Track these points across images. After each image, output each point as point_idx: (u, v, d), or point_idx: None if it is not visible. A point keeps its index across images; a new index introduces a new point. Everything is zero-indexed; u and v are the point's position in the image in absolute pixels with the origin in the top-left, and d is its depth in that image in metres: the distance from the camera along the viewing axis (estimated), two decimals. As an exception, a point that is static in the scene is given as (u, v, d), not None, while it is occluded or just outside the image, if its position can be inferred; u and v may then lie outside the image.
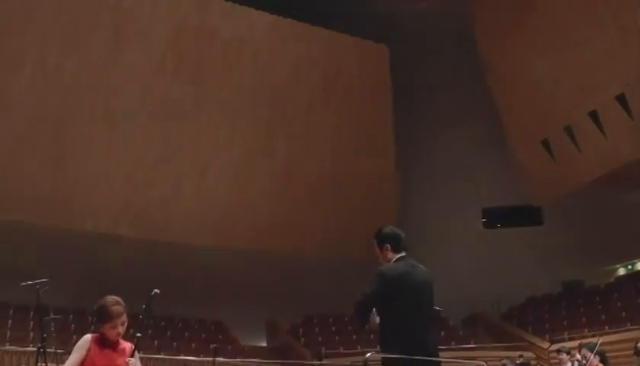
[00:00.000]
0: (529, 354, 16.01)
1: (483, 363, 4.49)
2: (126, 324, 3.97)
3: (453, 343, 17.25)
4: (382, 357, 4.01)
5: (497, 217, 21.40)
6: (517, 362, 5.96)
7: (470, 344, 17.63)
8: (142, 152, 18.55)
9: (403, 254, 4.26)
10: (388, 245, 4.27)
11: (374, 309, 4.16)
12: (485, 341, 17.97)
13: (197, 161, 19.19)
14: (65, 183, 18.04)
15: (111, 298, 4.00)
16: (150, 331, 16.89)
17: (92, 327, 3.93)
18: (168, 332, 18.08)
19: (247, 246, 19.96)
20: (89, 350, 3.86)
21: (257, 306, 19.63)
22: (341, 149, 20.51)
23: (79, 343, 3.89)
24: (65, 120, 17.53)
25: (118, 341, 3.99)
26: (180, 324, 19.02)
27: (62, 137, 17.57)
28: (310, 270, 20.49)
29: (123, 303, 4.00)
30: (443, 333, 17.42)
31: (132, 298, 4.15)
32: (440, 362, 4.13)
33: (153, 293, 4.39)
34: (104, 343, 3.91)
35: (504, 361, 5.71)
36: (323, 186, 20.49)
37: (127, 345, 4.05)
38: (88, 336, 3.93)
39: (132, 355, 4.01)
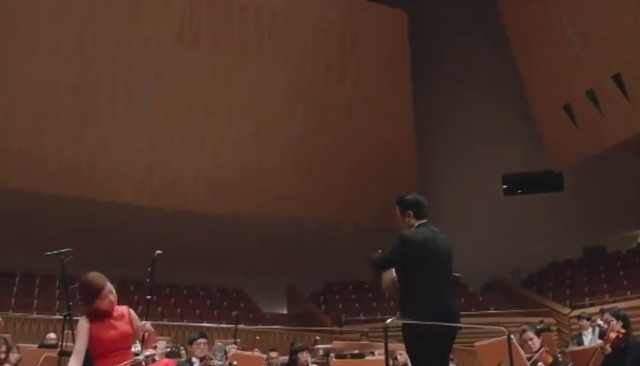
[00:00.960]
0: (549, 320, 16.02)
1: (503, 329, 4.50)
2: (113, 292, 4.02)
3: (473, 309, 17.30)
4: (403, 324, 4.05)
5: (518, 183, 21.24)
6: (537, 327, 5.98)
7: (490, 310, 17.67)
8: (161, 122, 18.63)
9: (424, 221, 4.30)
10: (411, 212, 4.31)
11: (394, 273, 4.19)
12: (505, 308, 17.99)
13: (216, 129, 19.22)
14: (87, 154, 18.24)
15: (91, 274, 4.05)
16: (173, 299, 17.22)
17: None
18: (190, 300, 18.38)
19: (266, 214, 20.09)
20: (90, 329, 3.92)
21: (278, 273, 19.85)
22: (359, 115, 20.38)
23: (78, 328, 3.96)
24: (85, 93, 17.62)
25: (112, 308, 4.05)
26: (201, 292, 19.32)
27: (82, 109, 17.69)
28: (330, 237, 20.59)
29: (103, 276, 4.05)
30: (462, 300, 17.47)
31: (159, 267, 4.19)
32: (460, 327, 4.15)
33: (156, 254, 4.45)
34: (101, 316, 3.97)
35: (524, 327, 5.70)
36: (341, 152, 20.43)
37: (123, 309, 4.10)
38: (83, 319, 3.98)
39: (133, 319, 4.06)
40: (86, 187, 18.31)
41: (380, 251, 4.26)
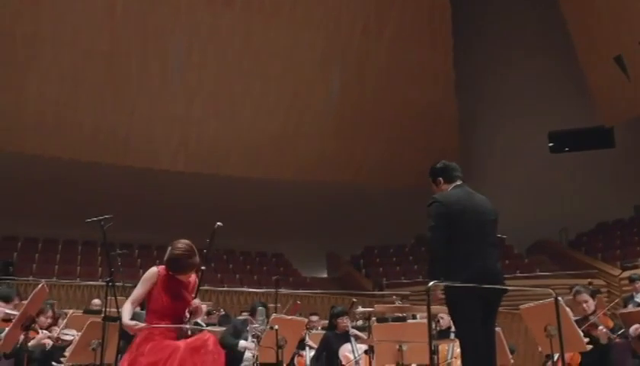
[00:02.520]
0: (598, 282, 15.79)
1: (550, 291, 4.45)
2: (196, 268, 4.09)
3: (518, 272, 17.17)
4: (446, 286, 4.04)
5: (565, 141, 20.76)
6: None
7: (536, 272, 17.51)
8: (195, 87, 18.75)
9: (458, 183, 4.28)
10: (441, 179, 4.33)
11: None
12: (552, 270, 17.78)
13: (251, 92, 19.24)
14: (122, 121, 18.55)
15: (185, 248, 4.01)
16: (212, 264, 17.54)
17: (157, 261, 4.09)
18: (230, 265, 18.72)
19: (304, 178, 20.18)
20: (155, 284, 4.02)
21: (318, 237, 20.01)
22: (398, 75, 20.09)
23: (145, 276, 4.06)
24: (118, 59, 17.81)
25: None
26: (241, 257, 19.65)
27: (115, 76, 17.92)
28: (370, 200, 20.60)
29: (196, 251, 4.05)
30: (506, 262, 17.34)
31: (193, 232, 4.28)
32: (506, 290, 4.13)
33: (216, 226, 4.50)
34: (172, 280, 4.06)
35: (578, 288, 5.61)
36: (380, 114, 20.25)
37: (192, 277, 4.20)
38: (155, 270, 4.07)
39: (195, 291, 4.16)
40: (122, 153, 18.68)
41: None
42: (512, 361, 6.10)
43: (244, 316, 7.07)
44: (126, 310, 3.98)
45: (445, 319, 6.08)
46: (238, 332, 6.51)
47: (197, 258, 4.06)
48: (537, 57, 20.90)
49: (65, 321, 6.82)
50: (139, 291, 4.03)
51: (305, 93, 19.67)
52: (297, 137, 19.91)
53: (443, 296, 4.04)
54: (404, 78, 20.08)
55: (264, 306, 6.70)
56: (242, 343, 6.26)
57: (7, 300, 4.78)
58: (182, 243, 4.05)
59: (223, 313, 10.73)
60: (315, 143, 20.05)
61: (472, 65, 21.14)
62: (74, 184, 17.88)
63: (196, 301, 4.12)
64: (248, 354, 6.25)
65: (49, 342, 5.36)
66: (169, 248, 4.06)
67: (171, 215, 17.95)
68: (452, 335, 5.51)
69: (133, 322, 3.94)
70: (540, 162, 20.66)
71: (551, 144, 20.83)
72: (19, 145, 17.53)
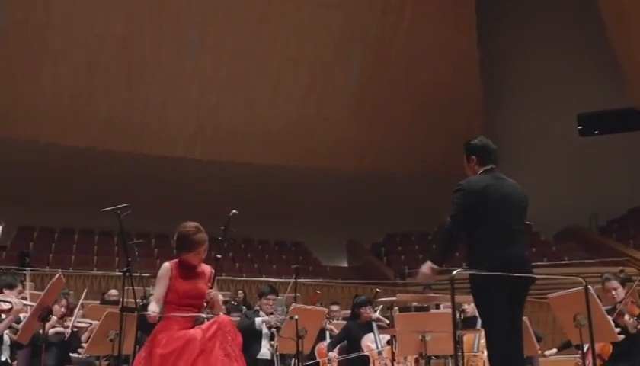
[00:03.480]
0: (630, 270, 15.60)
1: (580, 279, 4.40)
2: (206, 249, 4.15)
3: (545, 259, 17.03)
4: (471, 275, 4.02)
5: (595, 123, 20.46)
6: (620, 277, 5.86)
7: (564, 260, 17.36)
8: (210, 72, 18.79)
9: (489, 167, 4.21)
10: (474, 157, 4.24)
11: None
12: (581, 257, 17.61)
13: (268, 77, 19.24)
14: (137, 108, 18.67)
15: (191, 226, 4.17)
16: (230, 253, 17.66)
17: (174, 251, 4.16)
18: (248, 254, 18.82)
19: (324, 164, 20.17)
20: (171, 277, 4.09)
21: (337, 225, 20.01)
22: (420, 56, 19.93)
23: (160, 273, 4.13)
24: (131, 44, 17.89)
25: (199, 264, 4.20)
26: (259, 246, 19.74)
27: (129, 62, 18.02)
28: (391, 186, 20.54)
29: (203, 229, 4.16)
30: (533, 249, 17.20)
31: (210, 220, 4.31)
32: (534, 279, 4.09)
33: (231, 213, 4.53)
34: (185, 268, 4.12)
35: (607, 275, 5.55)
36: (401, 97, 20.14)
37: (207, 268, 4.25)
38: (167, 264, 4.16)
39: (211, 281, 4.21)
40: (138, 141, 18.82)
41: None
42: (539, 350, 6.06)
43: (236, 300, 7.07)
44: (153, 305, 4.07)
45: (470, 307, 6.05)
46: (248, 324, 6.55)
47: (205, 236, 4.16)
48: (565, 36, 20.58)
49: (81, 311, 6.92)
50: (158, 290, 4.12)
51: (324, 76, 19.61)
52: (316, 122, 19.88)
53: (431, 276, 4.13)
54: (426, 59, 19.91)
55: (274, 290, 6.73)
56: (258, 320, 6.32)
57: (11, 287, 4.87)
58: (188, 223, 4.22)
59: (242, 294, 10.85)
60: (334, 128, 20.00)
61: (496, 45, 20.89)
62: (89, 173, 18.08)
63: (213, 292, 4.16)
64: (264, 350, 6.29)
65: (63, 330, 5.44)
66: (178, 229, 4.16)
67: (188, 203, 18.06)
68: (478, 325, 5.49)
69: (152, 311, 4.02)
70: (569, 146, 20.41)
71: (580, 127, 20.56)
72: (34, 134, 17.74)
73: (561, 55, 20.50)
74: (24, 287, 5.38)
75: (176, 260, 4.18)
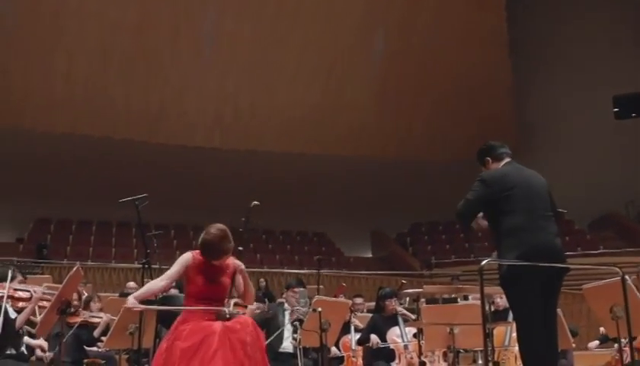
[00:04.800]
0: (669, 259, 15.39)
1: (617, 269, 4.35)
2: (229, 257, 4.16)
3: (579, 249, 16.87)
4: (500, 265, 4.00)
5: (632, 105, 20.14)
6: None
7: (599, 249, 17.17)
8: (228, 59, 18.82)
9: (507, 160, 4.39)
10: (489, 158, 4.45)
11: (481, 214, 4.28)
12: (617, 246, 17.40)
13: (287, 64, 19.21)
14: (154, 97, 18.79)
15: (216, 232, 4.09)
16: (251, 244, 17.77)
17: (194, 242, 4.19)
18: (270, 245, 18.91)
19: (346, 152, 20.14)
20: (188, 267, 4.11)
21: (361, 214, 20.00)
22: (446, 37, 19.73)
23: (179, 259, 4.18)
24: (146, 31, 17.98)
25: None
26: (281, 236, 19.81)
27: (145, 50, 18.11)
28: (416, 174, 20.45)
29: (230, 236, 4.13)
30: (567, 238, 17.03)
31: (230, 211, 4.32)
32: (568, 268, 4.06)
33: (252, 204, 4.55)
34: (207, 262, 4.15)
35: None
36: (427, 82, 19.98)
37: (231, 262, 4.27)
38: (189, 254, 4.18)
39: (236, 274, 4.23)
40: (155, 130, 18.96)
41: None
42: (574, 344, 6.02)
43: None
44: (151, 284, 4.15)
45: (503, 299, 6.01)
46: (272, 317, 6.58)
47: (231, 244, 4.12)
48: (600, 14, 20.23)
49: (98, 304, 7.00)
50: (170, 272, 4.16)
51: (345, 61, 19.53)
52: (338, 109, 19.84)
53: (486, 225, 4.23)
54: (453, 41, 19.70)
55: (301, 283, 6.75)
56: (286, 321, 6.34)
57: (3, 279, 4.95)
58: (215, 228, 4.13)
59: (263, 283, 10.95)
60: (356, 115, 19.94)
61: (526, 24, 20.61)
62: (106, 163, 18.27)
63: (239, 280, 4.18)
64: (286, 343, 6.33)
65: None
66: (203, 232, 4.15)
67: (207, 194, 18.21)
68: (510, 318, 5.46)
69: (131, 302, 4.08)
70: (604, 129, 20.12)
71: (616, 109, 20.25)
72: (49, 124, 17.95)
73: (596, 33, 20.18)
74: (25, 278, 5.47)
75: (199, 252, 4.20)
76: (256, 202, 4.53)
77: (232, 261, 4.29)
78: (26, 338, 5.01)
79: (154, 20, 17.92)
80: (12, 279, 4.96)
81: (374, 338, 6.48)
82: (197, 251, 4.19)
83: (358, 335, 6.91)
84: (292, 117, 19.66)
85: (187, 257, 4.16)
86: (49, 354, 5.31)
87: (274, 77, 19.23)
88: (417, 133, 20.53)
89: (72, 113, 18.14)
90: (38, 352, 5.32)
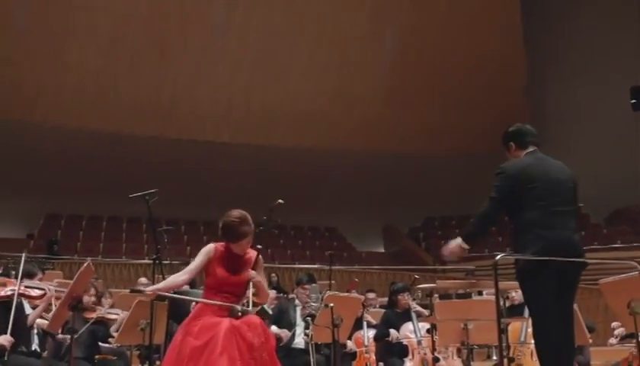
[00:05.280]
0: (687, 254, 15.26)
1: (635, 264, 4.32)
2: (250, 241, 4.17)
3: (596, 243, 16.77)
4: (516, 260, 3.98)
5: (649, 97, 19.94)
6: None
7: (616, 244, 17.06)
8: (239, 53, 18.83)
9: (531, 149, 4.25)
10: (512, 144, 4.31)
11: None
12: (634, 240, 17.29)
13: (298, 58, 19.19)
14: (164, 91, 18.83)
15: (236, 215, 4.15)
16: (262, 239, 17.79)
17: (204, 238, 4.19)
18: (281, 240, 18.94)
19: (358, 146, 20.12)
20: (211, 260, 4.14)
21: (373, 209, 20.00)
22: (458, 29, 19.62)
23: (202, 250, 4.21)
24: (156, 24, 18.01)
25: (243, 253, 4.23)
26: (292, 231, 19.84)
27: (155, 43, 18.15)
28: (429, 168, 20.40)
29: (250, 220, 4.16)
30: (583, 232, 16.93)
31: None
32: (585, 263, 4.03)
33: (276, 203, 4.52)
34: (229, 254, 4.17)
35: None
36: (439, 74, 19.89)
37: (253, 253, 4.27)
38: (211, 246, 4.21)
39: (255, 264, 4.23)
40: (165, 125, 19.01)
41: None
42: (590, 340, 5.98)
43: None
44: (175, 276, 4.18)
45: (518, 294, 5.98)
46: (284, 311, 6.58)
47: (250, 228, 4.15)
48: (616, 5, 20.03)
49: (109, 300, 7.03)
50: (194, 264, 4.18)
51: (357, 54, 19.48)
52: (349, 103, 19.81)
53: (459, 254, 4.18)
54: (466, 33, 19.60)
55: (312, 279, 6.74)
56: (274, 328, 6.29)
57: (30, 276, 4.99)
58: (236, 211, 4.20)
59: (275, 277, 10.96)
60: (368, 108, 19.91)
61: (542, 13, 20.44)
62: (116, 158, 18.35)
63: (254, 274, 4.18)
64: (299, 339, 6.32)
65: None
66: (224, 215, 4.18)
67: (217, 188, 18.24)
68: (526, 314, 5.43)
69: (151, 288, 4.13)
70: (621, 122, 19.94)
71: (633, 101, 20.05)
72: (60, 118, 18.05)
73: (613, 23, 19.99)
74: (44, 274, 5.51)
75: (222, 243, 4.22)
76: (280, 201, 4.50)
77: (254, 254, 4.29)
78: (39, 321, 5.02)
79: (163, 12, 17.95)
80: (33, 276, 5.00)
81: (394, 333, 6.45)
82: (220, 243, 4.21)
83: (371, 331, 6.91)
84: (304, 111, 19.65)
85: (209, 248, 4.20)
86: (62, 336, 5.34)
87: (285, 70, 19.23)
88: (429, 126, 20.46)
89: (82, 107, 18.22)
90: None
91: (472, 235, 4.19)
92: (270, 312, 4.03)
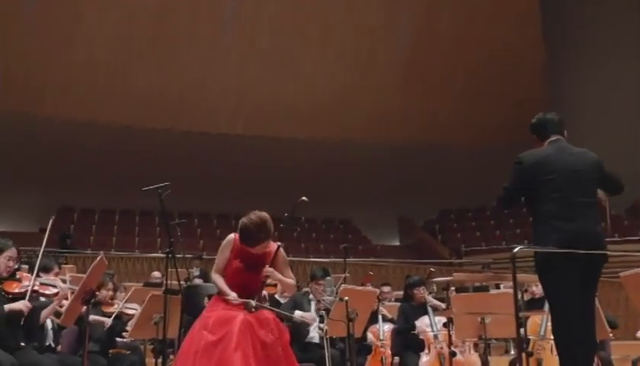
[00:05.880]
0: None
1: (657, 255, 4.27)
2: (269, 242, 4.15)
3: (616, 235, 16.64)
4: (535, 252, 3.95)
5: (670, 85, 19.71)
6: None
7: (637, 235, 16.92)
8: (249, 44, 18.81)
9: (553, 139, 4.23)
10: (535, 136, 4.33)
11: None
12: (655, 232, 17.14)
13: (310, 47, 19.15)
14: (174, 83, 18.88)
15: (256, 220, 4.09)
16: (276, 232, 17.82)
17: (218, 231, 4.20)
18: (294, 234, 18.93)
19: (372, 137, 20.07)
20: (232, 250, 4.14)
21: (387, 201, 19.95)
22: (474, 18, 19.49)
23: (223, 243, 4.21)
24: (165, 16, 18.04)
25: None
26: (306, 224, 19.82)
27: (164, 37, 18.19)
28: (445, 159, 20.32)
29: (269, 225, 4.11)
30: (602, 224, 16.79)
31: (254, 199, 4.32)
32: (606, 256, 3.98)
33: (300, 200, 4.49)
34: (246, 249, 4.16)
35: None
36: (455, 64, 19.79)
37: (273, 246, 4.26)
38: (232, 236, 4.21)
39: (275, 259, 4.22)
40: (176, 118, 19.06)
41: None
42: (611, 335, 5.93)
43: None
44: (218, 279, 4.16)
45: (538, 288, 5.93)
46: (298, 305, 6.58)
47: (269, 233, 4.12)
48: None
49: (123, 294, 7.08)
50: (218, 259, 4.20)
51: (370, 43, 19.40)
52: (363, 94, 19.75)
53: None
54: (482, 21, 19.46)
55: (326, 272, 6.72)
56: (298, 313, 6.33)
57: (47, 270, 5.02)
58: (255, 214, 4.14)
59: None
60: (382, 99, 19.84)
61: (560, 4, 20.25)
62: (128, 152, 18.43)
63: (269, 270, 4.17)
64: (313, 333, 6.33)
65: (108, 322, 5.60)
66: (245, 216, 4.16)
67: (230, 181, 18.29)
68: (546, 308, 5.40)
69: (232, 295, 4.07)
70: (640, 110, 19.76)
71: (653, 89, 19.83)
72: (69, 112, 18.14)
73: (634, 11, 19.75)
74: (60, 268, 5.55)
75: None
76: (304, 198, 4.46)
77: (274, 246, 4.27)
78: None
79: (173, 6, 17.98)
80: (49, 270, 5.03)
81: (420, 326, 6.40)
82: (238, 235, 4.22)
83: (386, 325, 6.90)
84: (316, 102, 19.62)
85: (229, 238, 4.22)
86: None
87: (297, 61, 19.20)
88: (445, 116, 20.37)
89: (92, 101, 18.31)
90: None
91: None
92: (253, 309, 4.01)
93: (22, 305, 4.39)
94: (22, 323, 4.53)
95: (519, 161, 4.14)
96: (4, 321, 4.32)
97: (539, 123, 4.32)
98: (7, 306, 4.34)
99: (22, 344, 4.58)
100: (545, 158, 4.08)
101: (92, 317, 5.44)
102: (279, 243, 4.30)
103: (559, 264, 3.86)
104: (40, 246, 4.87)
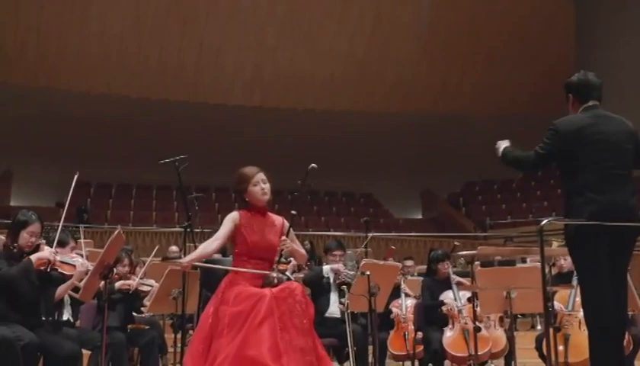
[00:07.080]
0: None
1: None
2: (267, 183, 4.20)
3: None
4: (566, 225, 3.90)
5: None
6: None
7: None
8: (267, 11, 18.67)
9: (591, 104, 4.09)
10: (571, 96, 4.16)
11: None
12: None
13: (329, 16, 18.98)
14: (191, 54, 18.85)
15: (253, 167, 4.30)
16: (295, 206, 17.87)
17: (236, 205, 4.23)
18: (314, 207, 18.99)
19: (394, 108, 19.95)
20: (238, 226, 4.16)
21: (410, 174, 19.88)
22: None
23: (227, 217, 4.24)
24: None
25: (266, 212, 4.25)
26: (326, 197, 19.86)
27: (180, 5, 18.12)
28: (469, 129, 20.15)
29: (259, 169, 4.27)
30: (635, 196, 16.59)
31: (273, 172, 4.31)
32: (638, 228, 3.92)
33: (310, 167, 4.50)
34: (255, 219, 4.19)
35: None
36: (479, 31, 19.51)
37: (278, 219, 4.30)
38: (236, 212, 4.25)
39: (286, 233, 4.25)
40: (193, 89, 19.08)
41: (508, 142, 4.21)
42: (643, 308, 5.87)
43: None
44: (201, 247, 4.25)
45: (567, 261, 5.88)
46: (319, 277, 6.61)
47: (256, 168, 4.28)
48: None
49: (143, 269, 7.15)
50: (220, 232, 4.25)
51: (392, 10, 19.18)
52: (384, 62, 19.58)
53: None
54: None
55: (341, 246, 6.74)
56: (326, 267, 6.38)
57: (63, 244, 5.06)
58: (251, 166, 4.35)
59: (308, 245, 11.01)
60: (404, 68, 19.67)
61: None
62: (144, 124, 18.52)
63: (288, 241, 4.21)
64: (333, 308, 6.35)
65: (133, 285, 5.64)
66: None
67: (248, 154, 18.15)
68: (574, 281, 5.36)
69: (186, 259, 4.19)
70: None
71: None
72: (85, 85, 18.24)
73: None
74: (76, 243, 5.59)
75: (245, 209, 4.25)
76: (313, 165, 4.47)
77: (280, 219, 4.32)
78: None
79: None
80: (64, 244, 5.07)
81: (449, 301, 6.38)
82: (244, 210, 4.25)
83: (409, 300, 6.91)
84: (335, 72, 19.51)
85: (233, 214, 4.24)
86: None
87: (315, 29, 19.05)
88: (469, 85, 20.16)
89: (107, 73, 18.38)
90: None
91: (506, 160, 4.34)
92: (276, 280, 4.08)
93: (48, 253, 4.43)
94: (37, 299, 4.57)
95: (554, 128, 4.02)
96: (32, 272, 4.34)
97: (580, 83, 4.16)
98: (34, 256, 4.38)
99: (42, 318, 4.64)
100: (582, 127, 3.98)
101: (118, 284, 5.52)
102: (293, 212, 4.33)
103: (591, 238, 3.81)
104: (58, 221, 4.90)
